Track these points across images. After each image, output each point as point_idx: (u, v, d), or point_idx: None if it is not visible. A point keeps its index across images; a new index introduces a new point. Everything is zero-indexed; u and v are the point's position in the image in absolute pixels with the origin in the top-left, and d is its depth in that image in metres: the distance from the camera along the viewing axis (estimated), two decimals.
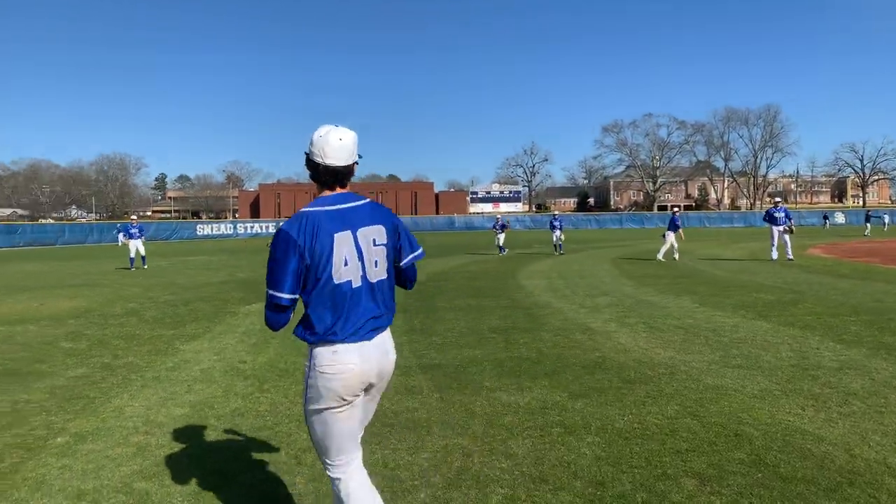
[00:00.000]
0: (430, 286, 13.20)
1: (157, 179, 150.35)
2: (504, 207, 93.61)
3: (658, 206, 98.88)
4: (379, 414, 4.61)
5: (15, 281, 16.79)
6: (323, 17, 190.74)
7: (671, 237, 20.04)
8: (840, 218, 65.65)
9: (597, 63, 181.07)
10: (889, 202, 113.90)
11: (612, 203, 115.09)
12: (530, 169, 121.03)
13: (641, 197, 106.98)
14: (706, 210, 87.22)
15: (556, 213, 29.23)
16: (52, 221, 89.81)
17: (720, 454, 3.78)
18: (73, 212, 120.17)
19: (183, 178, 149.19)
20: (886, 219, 41.92)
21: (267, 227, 68.44)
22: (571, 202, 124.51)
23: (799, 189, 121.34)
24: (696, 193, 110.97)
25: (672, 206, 26.93)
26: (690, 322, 8.24)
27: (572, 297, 11.11)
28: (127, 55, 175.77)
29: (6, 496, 3.30)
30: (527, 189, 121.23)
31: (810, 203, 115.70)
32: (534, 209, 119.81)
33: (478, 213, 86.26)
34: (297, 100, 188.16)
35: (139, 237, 20.95)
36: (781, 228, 17.99)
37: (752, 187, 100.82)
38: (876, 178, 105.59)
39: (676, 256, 19.70)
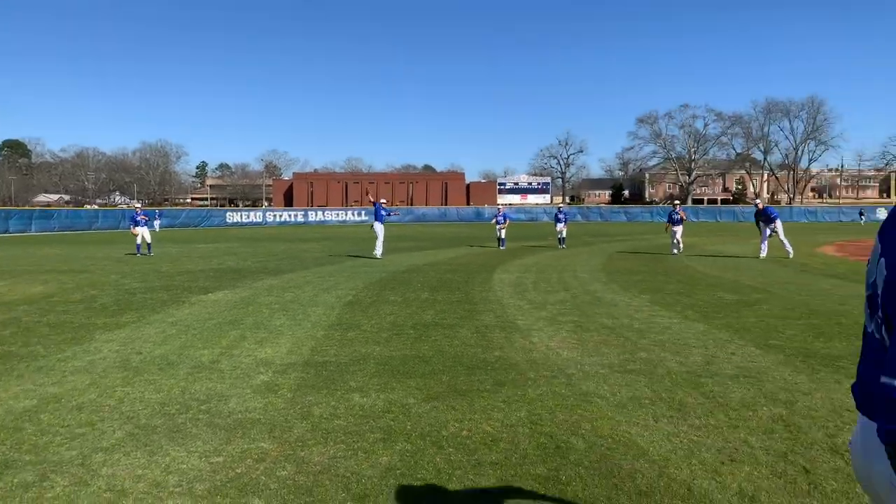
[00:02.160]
0: (400, 278, 13.06)
1: (198, 168, 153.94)
2: (532, 199, 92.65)
3: (693, 200, 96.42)
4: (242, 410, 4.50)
5: (10, 265, 17.27)
6: (357, 8, 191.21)
7: (675, 230, 19.71)
8: (881, 214, 62.96)
9: (635, 52, 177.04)
10: None
11: (646, 196, 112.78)
12: (564, 160, 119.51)
13: (677, 189, 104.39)
14: (743, 204, 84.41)
15: (562, 205, 28.61)
16: (95, 207, 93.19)
17: (516, 468, 3.54)
18: (117, 198, 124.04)
19: (223, 167, 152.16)
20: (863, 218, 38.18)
21: (295, 216, 69.13)
22: (606, 194, 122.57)
23: (845, 184, 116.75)
24: (733, 187, 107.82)
25: (673, 201, 25.95)
26: (624, 322, 7.90)
27: (529, 292, 10.81)
28: (173, 46, 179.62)
29: None
30: (559, 180, 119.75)
31: (856, 198, 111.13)
32: (567, 201, 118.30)
33: (506, 205, 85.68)
34: (335, 87, 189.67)
35: (144, 224, 21.45)
36: (774, 226, 17.41)
37: (792, 181, 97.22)
38: None
39: (675, 251, 19.18)
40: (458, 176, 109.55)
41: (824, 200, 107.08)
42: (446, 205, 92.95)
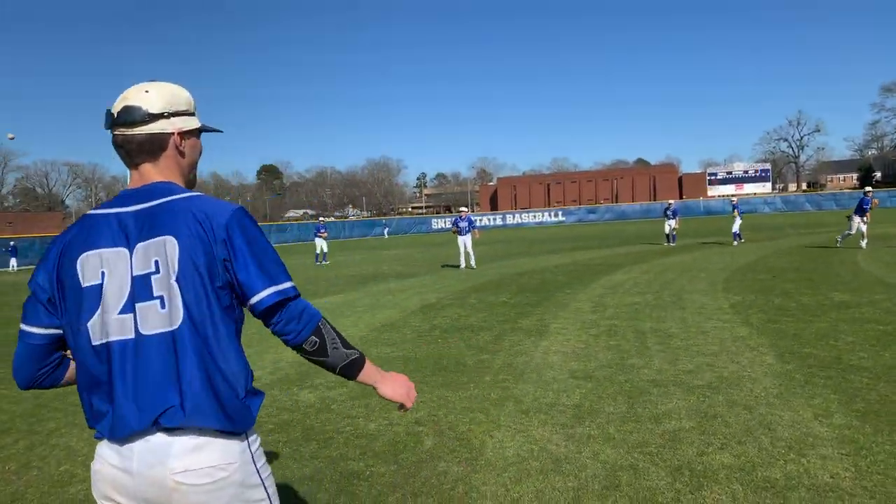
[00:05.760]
0: (497, 283, 13.31)
1: (418, 178, 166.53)
2: (749, 188, 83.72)
3: None
4: None
5: None
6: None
7: (856, 222, 17.08)
8: None
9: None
10: None
11: None
12: (797, 142, 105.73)
13: None
14: None
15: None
16: (333, 219, 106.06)
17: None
18: (349, 210, 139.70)
19: (440, 176, 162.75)
20: None
21: (494, 220, 71.41)
22: (853, 178, 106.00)
23: None
24: None
25: (864, 187, 21.51)
26: (663, 326, 7.39)
27: (616, 295, 10.41)
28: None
29: None
30: (793, 165, 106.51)
31: None
32: (804, 188, 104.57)
33: (719, 196, 78.68)
34: (542, 92, 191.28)
35: (319, 237, 24.45)
36: None
37: None
38: None
39: (863, 244, 16.52)
40: (670, 169, 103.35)
41: None
42: (654, 200, 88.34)
